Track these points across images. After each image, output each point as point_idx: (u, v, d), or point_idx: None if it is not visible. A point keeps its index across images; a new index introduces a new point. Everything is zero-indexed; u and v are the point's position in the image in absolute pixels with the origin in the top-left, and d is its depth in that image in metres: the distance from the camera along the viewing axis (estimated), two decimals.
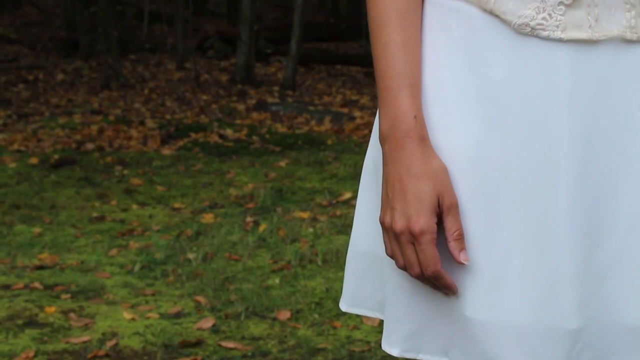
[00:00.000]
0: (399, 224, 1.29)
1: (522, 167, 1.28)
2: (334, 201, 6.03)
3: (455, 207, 1.29)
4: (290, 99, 10.64)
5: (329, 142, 8.04)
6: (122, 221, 5.69)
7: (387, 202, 1.32)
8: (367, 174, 1.46)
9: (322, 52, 14.59)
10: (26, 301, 4.14)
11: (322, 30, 15.42)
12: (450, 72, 1.32)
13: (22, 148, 7.66)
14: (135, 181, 6.65)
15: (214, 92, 11.47)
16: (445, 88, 1.32)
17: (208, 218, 5.68)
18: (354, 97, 11.27)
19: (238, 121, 9.18)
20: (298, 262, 4.72)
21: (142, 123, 8.95)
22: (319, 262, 4.71)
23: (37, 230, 5.44)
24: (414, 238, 1.29)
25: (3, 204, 5.95)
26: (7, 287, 4.40)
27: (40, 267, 4.72)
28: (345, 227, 5.34)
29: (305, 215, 5.63)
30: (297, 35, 11.30)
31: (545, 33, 1.26)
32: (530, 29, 1.26)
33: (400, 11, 1.32)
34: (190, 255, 4.84)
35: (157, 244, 5.14)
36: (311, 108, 9.92)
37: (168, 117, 9.58)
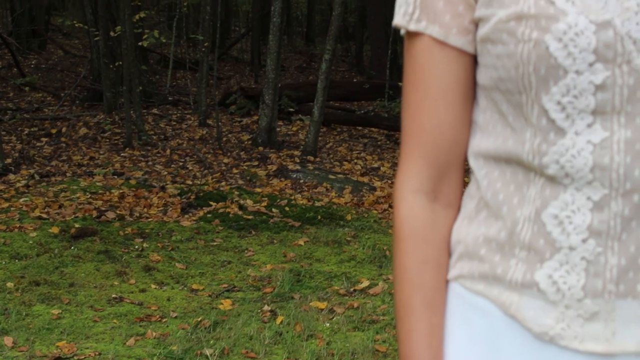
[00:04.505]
0: None
1: None
2: (352, 289, 6.05)
3: None
4: (311, 166, 10.68)
5: (348, 217, 8.06)
6: (141, 304, 5.72)
7: None
8: None
9: (344, 114, 14.62)
10: None
11: (344, 89, 15.44)
12: None
13: (44, 215, 7.72)
14: (155, 257, 6.69)
15: (235, 154, 11.53)
16: None
17: (226, 304, 5.71)
18: (375, 164, 11.30)
19: (258, 189, 9.21)
20: None
21: (162, 189, 9.01)
22: None
23: (55, 311, 5.48)
24: None
25: (23, 280, 5.99)
26: None
27: (59, 358, 4.75)
28: (361, 323, 5.35)
29: (322, 305, 5.66)
30: (320, 101, 11.34)
31: (563, 342, 1.28)
32: (549, 337, 1.28)
33: (426, 300, 1.36)
34: (208, 351, 4.86)
35: (174, 334, 5.17)
36: (332, 177, 9.95)
37: (189, 182, 9.63)
